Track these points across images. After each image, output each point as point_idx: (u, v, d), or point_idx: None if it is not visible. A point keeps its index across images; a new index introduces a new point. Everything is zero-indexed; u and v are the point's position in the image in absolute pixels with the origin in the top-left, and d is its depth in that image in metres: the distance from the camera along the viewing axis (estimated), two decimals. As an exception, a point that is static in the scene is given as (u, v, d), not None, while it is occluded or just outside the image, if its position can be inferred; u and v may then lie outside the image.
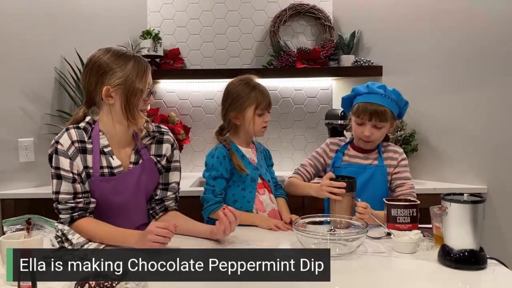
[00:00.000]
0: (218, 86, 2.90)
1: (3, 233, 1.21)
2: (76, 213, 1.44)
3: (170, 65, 2.86)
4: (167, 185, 1.63)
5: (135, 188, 1.53)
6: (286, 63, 2.77)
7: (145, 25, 2.93)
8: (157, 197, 1.62)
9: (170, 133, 1.66)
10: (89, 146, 1.48)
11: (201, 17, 2.96)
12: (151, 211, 1.62)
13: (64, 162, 1.43)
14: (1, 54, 2.29)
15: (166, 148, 1.61)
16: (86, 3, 2.61)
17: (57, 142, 1.45)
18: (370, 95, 1.72)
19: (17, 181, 2.36)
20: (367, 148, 1.79)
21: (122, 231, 1.43)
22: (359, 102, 1.74)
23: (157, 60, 2.85)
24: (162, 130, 1.64)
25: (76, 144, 1.46)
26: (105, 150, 1.50)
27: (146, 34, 2.79)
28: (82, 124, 1.50)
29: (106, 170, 1.50)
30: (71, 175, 1.43)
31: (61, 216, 1.44)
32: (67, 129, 1.47)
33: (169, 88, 2.97)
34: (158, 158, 1.60)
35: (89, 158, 1.48)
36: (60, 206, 1.44)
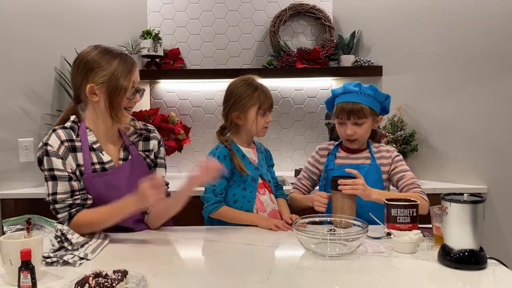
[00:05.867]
0: (218, 86, 2.90)
1: (3, 233, 1.21)
2: (74, 209, 1.44)
3: (170, 65, 2.86)
4: None
5: (128, 183, 1.52)
6: (286, 63, 2.77)
7: (145, 25, 2.93)
8: None
9: (157, 132, 1.68)
10: (78, 144, 1.49)
11: (201, 17, 2.96)
12: None
13: (57, 162, 1.43)
14: (1, 54, 2.29)
15: (153, 144, 1.63)
16: (86, 3, 2.61)
17: (46, 144, 1.45)
18: (346, 95, 1.75)
19: (17, 181, 2.36)
20: (354, 147, 1.79)
21: (119, 204, 1.43)
22: (337, 103, 1.77)
23: (157, 60, 2.85)
24: (149, 128, 1.66)
25: (66, 144, 1.46)
26: (94, 146, 1.51)
27: (146, 34, 2.79)
28: (68, 124, 1.51)
29: (97, 166, 1.50)
30: (66, 173, 1.44)
31: (59, 216, 1.44)
32: (54, 130, 1.48)
33: (169, 88, 2.97)
34: (147, 153, 1.62)
35: (80, 156, 1.48)
36: (57, 206, 1.44)
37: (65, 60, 2.48)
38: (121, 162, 1.55)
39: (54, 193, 1.43)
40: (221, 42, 2.97)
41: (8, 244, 1.12)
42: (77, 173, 1.47)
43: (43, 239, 1.19)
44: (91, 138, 1.51)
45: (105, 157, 1.52)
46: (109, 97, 1.47)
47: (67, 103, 2.54)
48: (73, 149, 1.47)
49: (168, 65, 2.85)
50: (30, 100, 2.40)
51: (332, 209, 1.61)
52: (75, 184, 1.45)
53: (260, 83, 1.77)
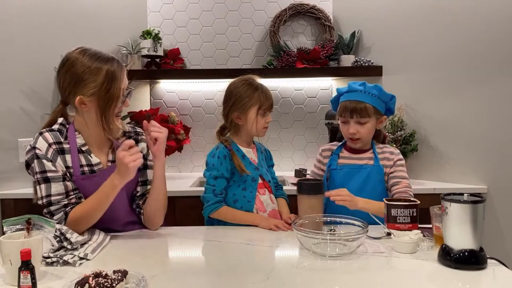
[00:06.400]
0: (218, 86, 2.90)
1: (3, 233, 1.21)
2: (69, 208, 1.44)
3: (170, 65, 2.86)
4: (145, 181, 1.63)
5: None
6: (286, 63, 2.77)
7: (145, 25, 2.93)
8: (138, 194, 1.62)
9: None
10: (66, 146, 1.48)
11: (201, 17, 2.96)
12: (137, 209, 1.61)
13: (48, 164, 1.43)
14: (1, 54, 2.29)
15: (142, 147, 1.62)
16: (86, 3, 2.61)
17: (34, 147, 1.44)
18: (350, 93, 1.74)
19: (17, 181, 2.36)
20: (357, 146, 1.78)
21: (104, 185, 1.42)
22: (341, 102, 1.77)
23: (157, 60, 2.85)
24: (138, 131, 1.66)
25: (54, 146, 1.46)
26: (83, 148, 1.51)
27: (146, 34, 2.79)
28: (55, 127, 1.50)
29: (86, 168, 1.50)
30: (59, 173, 1.43)
31: (55, 218, 1.42)
32: (41, 133, 1.47)
33: (169, 88, 2.97)
34: None
35: (68, 158, 1.48)
36: (52, 208, 1.43)
37: (65, 60, 2.48)
38: (110, 164, 1.54)
39: (48, 195, 1.42)
40: (221, 42, 2.97)
41: (8, 244, 1.12)
42: (67, 174, 1.47)
43: (43, 239, 1.19)
44: (80, 140, 1.51)
45: (94, 159, 1.51)
46: (100, 108, 1.46)
47: (67, 103, 2.54)
48: (61, 151, 1.47)
49: (168, 65, 2.85)
50: (30, 100, 2.40)
51: (299, 212, 1.59)
52: (69, 184, 1.45)
53: (260, 83, 1.77)
